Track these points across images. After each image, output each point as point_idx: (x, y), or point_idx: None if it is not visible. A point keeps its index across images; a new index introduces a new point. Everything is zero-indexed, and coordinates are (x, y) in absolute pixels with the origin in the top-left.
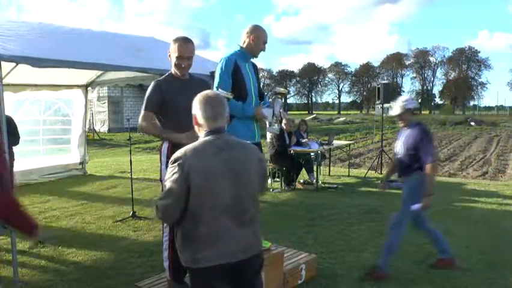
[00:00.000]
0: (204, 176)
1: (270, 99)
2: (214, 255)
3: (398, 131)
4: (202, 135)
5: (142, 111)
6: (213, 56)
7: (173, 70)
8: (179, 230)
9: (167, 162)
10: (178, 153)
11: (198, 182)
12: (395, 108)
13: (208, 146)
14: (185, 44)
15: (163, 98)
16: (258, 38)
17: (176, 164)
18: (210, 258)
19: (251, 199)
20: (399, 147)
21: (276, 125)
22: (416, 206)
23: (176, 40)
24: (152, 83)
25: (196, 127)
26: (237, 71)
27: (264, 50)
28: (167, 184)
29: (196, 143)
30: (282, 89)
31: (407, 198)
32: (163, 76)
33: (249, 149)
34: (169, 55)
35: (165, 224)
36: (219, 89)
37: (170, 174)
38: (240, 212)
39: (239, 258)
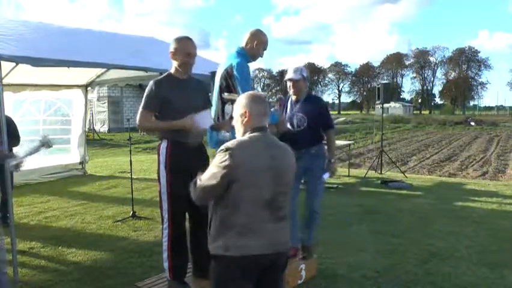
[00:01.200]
0: (250, 169)
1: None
2: (246, 246)
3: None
4: (243, 131)
5: (141, 110)
6: (213, 56)
7: (174, 69)
8: (217, 217)
9: (166, 161)
10: (230, 143)
11: (244, 173)
12: (296, 73)
13: (256, 142)
14: (191, 42)
15: (163, 98)
16: (261, 45)
17: (227, 152)
18: (242, 247)
19: (286, 197)
20: (298, 120)
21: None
22: (325, 176)
23: (181, 39)
24: (151, 82)
25: (237, 122)
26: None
27: (262, 56)
28: (214, 169)
29: (245, 137)
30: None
31: (317, 170)
32: (162, 76)
33: (287, 150)
34: (173, 54)
35: (165, 226)
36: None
37: (219, 161)
38: (277, 208)
39: (268, 252)
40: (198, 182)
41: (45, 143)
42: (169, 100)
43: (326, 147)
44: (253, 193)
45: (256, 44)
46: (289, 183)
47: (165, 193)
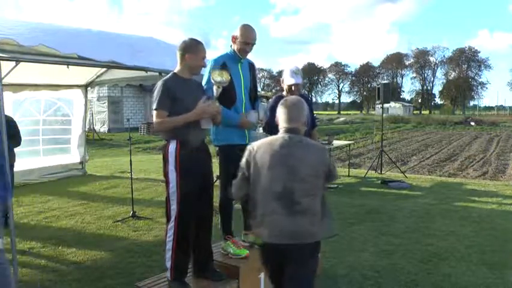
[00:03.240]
0: (260, 164)
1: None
2: (264, 234)
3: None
4: (279, 129)
5: (156, 111)
6: (213, 55)
7: (179, 69)
8: (249, 209)
9: (176, 162)
10: (255, 142)
11: (255, 168)
12: (298, 76)
13: (274, 141)
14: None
15: (173, 97)
16: (239, 40)
17: (248, 149)
18: (265, 234)
19: (305, 193)
20: None
21: (261, 129)
22: None
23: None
24: (160, 83)
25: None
26: None
27: (246, 50)
28: (240, 168)
29: (269, 138)
30: (263, 93)
31: None
32: (168, 76)
33: (313, 149)
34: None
35: (170, 225)
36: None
37: (244, 158)
38: (291, 202)
39: (285, 242)
40: (235, 180)
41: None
42: (179, 99)
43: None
44: (263, 186)
45: (234, 40)
46: (306, 179)
47: (174, 193)
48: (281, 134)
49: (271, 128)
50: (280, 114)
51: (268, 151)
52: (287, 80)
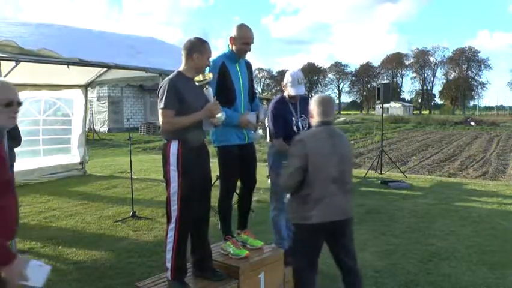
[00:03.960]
0: (318, 154)
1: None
2: (321, 214)
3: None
4: (315, 124)
5: (163, 110)
6: (212, 55)
7: (184, 68)
8: (297, 197)
9: (178, 162)
10: (300, 136)
11: (314, 159)
12: (302, 85)
13: (319, 133)
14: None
15: (180, 97)
16: (237, 39)
17: (300, 144)
18: (318, 216)
19: (350, 174)
20: (302, 121)
21: (260, 131)
22: None
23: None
24: (166, 81)
25: (311, 117)
26: (225, 73)
27: (246, 50)
28: (292, 160)
29: (312, 131)
30: (265, 95)
31: None
32: (174, 75)
33: (344, 137)
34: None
35: (171, 226)
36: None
37: (295, 152)
38: (343, 182)
39: (338, 218)
40: (285, 172)
41: None
42: (185, 99)
43: None
44: (324, 173)
45: (233, 40)
46: (350, 161)
47: (175, 194)
48: (321, 127)
49: (272, 132)
50: (317, 109)
51: (319, 142)
52: (291, 91)
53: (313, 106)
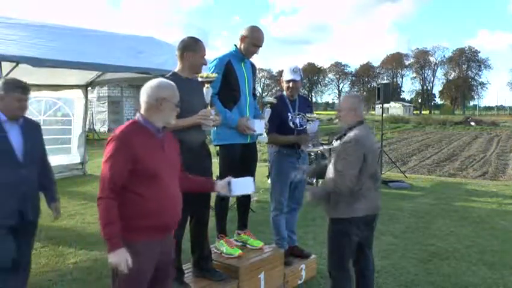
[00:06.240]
0: (371, 153)
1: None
2: (365, 208)
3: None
4: (351, 122)
5: None
6: (212, 55)
7: (180, 69)
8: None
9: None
10: (353, 136)
11: (369, 157)
12: (296, 73)
13: (364, 132)
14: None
15: (180, 98)
16: (249, 41)
17: (358, 145)
18: (362, 209)
19: (379, 170)
20: (300, 119)
21: (264, 134)
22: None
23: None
24: None
25: (345, 116)
26: (230, 71)
27: (255, 52)
28: (352, 159)
29: (361, 130)
30: (271, 99)
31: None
32: (170, 76)
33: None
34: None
35: None
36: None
37: (354, 152)
38: (377, 179)
39: (374, 212)
40: (345, 173)
41: None
42: (184, 101)
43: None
44: (371, 170)
45: (244, 41)
46: (377, 159)
47: None
48: (362, 125)
49: (266, 127)
50: (358, 108)
51: (370, 141)
52: (285, 76)
53: (353, 105)
